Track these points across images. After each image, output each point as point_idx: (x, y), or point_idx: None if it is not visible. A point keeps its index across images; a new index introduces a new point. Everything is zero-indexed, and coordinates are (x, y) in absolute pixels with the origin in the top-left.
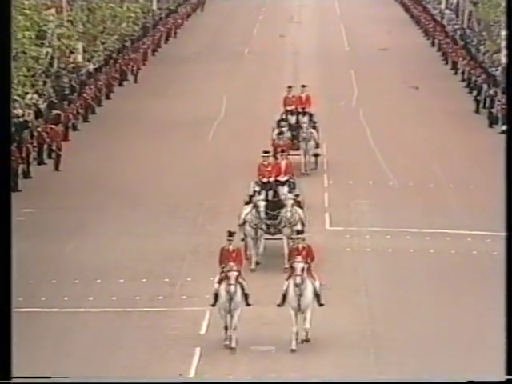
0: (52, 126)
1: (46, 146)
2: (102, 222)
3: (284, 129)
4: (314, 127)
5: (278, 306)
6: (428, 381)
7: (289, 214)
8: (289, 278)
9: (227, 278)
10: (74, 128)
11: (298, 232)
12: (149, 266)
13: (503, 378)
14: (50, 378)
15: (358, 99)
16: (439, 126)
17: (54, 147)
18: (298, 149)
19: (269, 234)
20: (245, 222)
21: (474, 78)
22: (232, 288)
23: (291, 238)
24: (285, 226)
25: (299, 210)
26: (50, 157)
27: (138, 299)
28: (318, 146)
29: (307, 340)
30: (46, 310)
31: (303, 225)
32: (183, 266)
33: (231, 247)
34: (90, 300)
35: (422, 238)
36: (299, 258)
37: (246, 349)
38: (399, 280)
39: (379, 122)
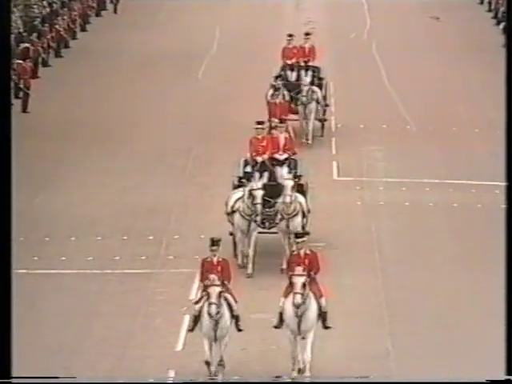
0: (19, 61)
1: (12, 85)
2: (77, 172)
3: (279, 85)
4: (320, 85)
5: (275, 327)
6: (428, 381)
7: (288, 199)
8: (287, 294)
9: (208, 295)
10: (45, 64)
11: (297, 235)
12: (130, 221)
13: (503, 377)
14: (50, 378)
15: (370, 31)
16: (463, 61)
17: (21, 85)
18: (296, 112)
19: (263, 227)
20: (234, 210)
21: (501, 9)
22: (213, 309)
23: (289, 238)
24: (282, 219)
25: (300, 198)
26: (16, 96)
27: (118, 259)
28: (324, 109)
29: (305, 370)
30: (11, 271)
31: (304, 216)
32: (170, 222)
33: (215, 259)
34: (63, 260)
35: (443, 190)
36: (300, 270)
37: (242, 317)
38: (417, 238)
39: (395, 58)
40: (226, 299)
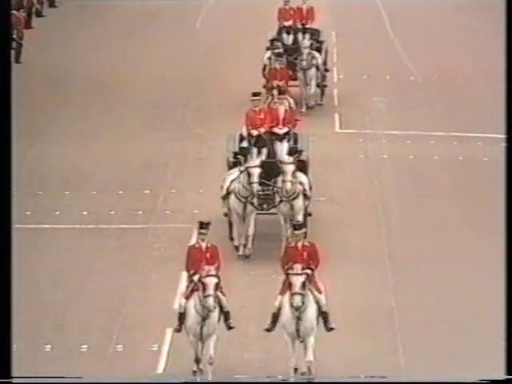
0: (13, 11)
1: None
2: (71, 124)
3: (279, 49)
4: (319, 49)
5: (267, 330)
6: (427, 381)
7: (288, 186)
8: (284, 292)
9: (203, 286)
10: (38, 14)
11: (295, 227)
12: (126, 175)
13: (503, 377)
14: (50, 377)
15: None
16: (470, 8)
17: (14, 36)
18: (295, 79)
19: (260, 210)
20: (229, 192)
21: None
22: (210, 301)
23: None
24: (281, 201)
25: (303, 178)
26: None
27: (114, 214)
28: (324, 75)
29: (310, 372)
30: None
31: (306, 197)
32: (167, 176)
33: (204, 245)
34: (57, 215)
35: (448, 143)
36: (298, 268)
37: (242, 273)
38: (421, 192)
39: (399, 6)
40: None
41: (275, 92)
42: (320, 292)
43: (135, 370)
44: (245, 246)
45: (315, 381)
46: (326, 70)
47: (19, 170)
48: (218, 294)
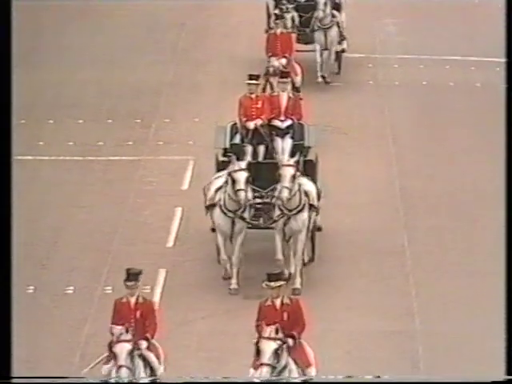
0: None
1: None
2: (57, 47)
3: (290, 7)
4: (338, 8)
5: None
6: (428, 381)
7: (285, 194)
8: (256, 365)
9: (114, 356)
10: None
11: (271, 277)
12: (116, 102)
13: (503, 377)
14: (50, 378)
15: None
16: None
17: None
18: (307, 42)
19: (255, 225)
20: (213, 204)
21: None
22: (123, 372)
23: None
24: (282, 215)
25: (307, 185)
26: None
27: (102, 145)
28: (343, 36)
29: None
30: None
31: (312, 209)
32: (159, 103)
33: (133, 300)
34: (41, 145)
35: (465, 68)
36: (272, 331)
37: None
38: (434, 121)
39: None
40: (144, 359)
41: (274, 80)
42: (308, 365)
43: None
44: (229, 277)
45: (315, 380)
46: (343, 38)
47: None
48: (149, 357)
